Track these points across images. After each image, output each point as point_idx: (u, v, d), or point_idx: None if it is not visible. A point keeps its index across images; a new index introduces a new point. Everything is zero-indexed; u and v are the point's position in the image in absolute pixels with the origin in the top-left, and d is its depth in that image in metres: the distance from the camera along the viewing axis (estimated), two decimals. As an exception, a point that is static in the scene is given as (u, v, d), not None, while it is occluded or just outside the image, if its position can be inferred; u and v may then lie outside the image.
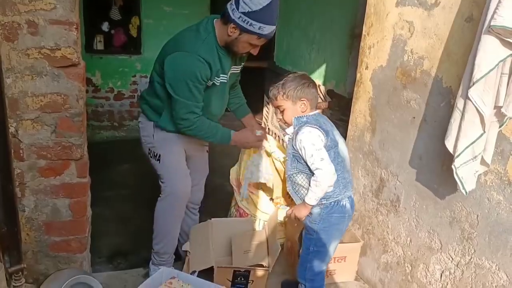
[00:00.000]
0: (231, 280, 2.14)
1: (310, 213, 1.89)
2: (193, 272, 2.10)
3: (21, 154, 1.82)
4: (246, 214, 2.59)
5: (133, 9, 4.88)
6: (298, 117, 1.88)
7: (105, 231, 2.80)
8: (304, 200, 1.85)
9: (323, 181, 1.76)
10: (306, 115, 1.88)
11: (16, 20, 1.65)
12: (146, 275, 2.29)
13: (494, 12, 1.42)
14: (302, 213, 1.89)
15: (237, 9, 1.87)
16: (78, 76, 1.80)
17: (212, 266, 2.14)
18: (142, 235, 2.76)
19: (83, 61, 1.85)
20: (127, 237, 2.88)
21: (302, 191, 1.88)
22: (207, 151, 2.47)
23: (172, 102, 2.01)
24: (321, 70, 3.94)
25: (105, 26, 4.88)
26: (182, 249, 2.30)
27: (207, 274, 2.11)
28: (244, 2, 1.85)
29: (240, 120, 2.47)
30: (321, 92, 3.69)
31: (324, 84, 3.83)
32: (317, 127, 1.81)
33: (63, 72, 1.77)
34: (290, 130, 1.92)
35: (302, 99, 1.87)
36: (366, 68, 2.43)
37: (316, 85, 1.93)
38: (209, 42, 1.99)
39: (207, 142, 2.30)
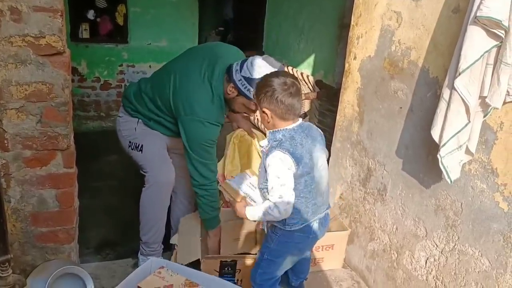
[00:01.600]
0: (218, 270, 2.15)
1: (272, 224, 1.79)
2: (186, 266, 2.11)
3: (6, 144, 1.79)
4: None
5: (119, -3, 4.80)
6: (272, 132, 1.69)
7: (93, 222, 2.78)
8: (248, 209, 1.76)
9: (273, 214, 1.65)
10: (282, 130, 1.66)
11: (-2, 7, 1.61)
12: (135, 265, 2.30)
13: (480, 3, 1.44)
14: (240, 213, 1.80)
15: (240, 71, 1.92)
16: (64, 65, 1.77)
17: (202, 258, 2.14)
18: (130, 225, 2.75)
19: (68, 49, 1.82)
20: (116, 227, 2.87)
21: None
22: None
23: (186, 155, 2.05)
24: (310, 60, 3.94)
25: (90, 14, 4.79)
26: (171, 242, 2.30)
27: (196, 266, 2.11)
28: (247, 67, 1.90)
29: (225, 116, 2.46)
30: (310, 83, 3.70)
31: (313, 74, 3.84)
32: (289, 154, 1.61)
33: (48, 61, 1.73)
34: (264, 143, 1.74)
35: (264, 110, 1.66)
36: (354, 58, 2.44)
37: (296, 93, 1.64)
38: (220, 104, 2.02)
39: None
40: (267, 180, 1.67)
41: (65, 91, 1.81)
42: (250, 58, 1.93)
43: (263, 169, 1.71)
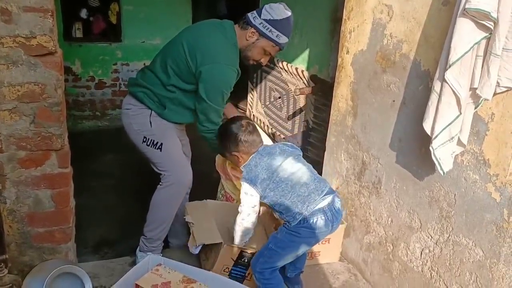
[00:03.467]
0: (235, 259, 2.15)
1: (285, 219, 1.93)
2: (199, 245, 2.12)
3: (0, 146, 1.79)
4: (232, 199, 2.61)
5: (112, -5, 4.78)
6: (244, 167, 1.97)
7: (90, 221, 2.79)
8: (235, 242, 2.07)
9: (240, 225, 2.03)
10: (247, 164, 1.96)
11: (-12, 8, 1.61)
12: (133, 263, 2.30)
13: (469, -5, 1.44)
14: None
15: (259, 16, 2.08)
16: (56, 65, 1.77)
17: (215, 243, 2.13)
18: (127, 224, 2.76)
19: (60, 49, 1.82)
20: (113, 226, 2.88)
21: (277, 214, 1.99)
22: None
23: (201, 105, 2.11)
24: (304, 55, 3.94)
25: (83, 13, 4.77)
26: (185, 220, 2.28)
27: (207, 249, 2.14)
28: (267, 11, 2.08)
29: None
30: (305, 78, 3.70)
31: (307, 69, 3.84)
32: (247, 181, 1.92)
33: (40, 61, 1.73)
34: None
35: (234, 153, 2.00)
36: (347, 52, 2.44)
37: (254, 130, 2.01)
38: (237, 52, 2.13)
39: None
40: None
41: (58, 91, 1.81)
42: (266, 5, 2.10)
43: None
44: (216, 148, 2.23)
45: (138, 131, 2.20)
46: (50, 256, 2.06)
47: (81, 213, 2.35)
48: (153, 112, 2.17)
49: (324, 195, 1.87)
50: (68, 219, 2.06)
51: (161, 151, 2.19)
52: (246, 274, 2.18)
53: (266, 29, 2.08)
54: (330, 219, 1.86)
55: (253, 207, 1.97)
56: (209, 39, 2.08)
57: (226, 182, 2.64)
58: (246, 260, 2.15)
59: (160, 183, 2.26)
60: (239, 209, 2.00)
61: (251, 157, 1.97)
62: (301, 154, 2.03)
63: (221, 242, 2.11)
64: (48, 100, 1.80)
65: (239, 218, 2.01)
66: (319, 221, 1.84)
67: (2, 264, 1.59)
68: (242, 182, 1.95)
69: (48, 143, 1.86)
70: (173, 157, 2.24)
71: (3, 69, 1.69)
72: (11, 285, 1.69)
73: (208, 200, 2.46)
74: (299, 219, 1.84)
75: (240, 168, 2.00)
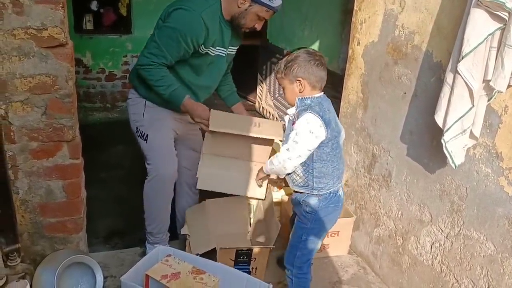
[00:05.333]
0: (234, 259, 2.17)
1: (306, 202, 1.83)
2: (196, 255, 2.13)
3: (12, 137, 1.82)
4: None
5: (122, -13, 4.78)
6: (301, 98, 1.75)
7: (101, 212, 2.81)
8: (264, 168, 1.88)
9: (273, 162, 1.79)
10: (311, 97, 1.75)
11: (0, 0, 1.61)
12: (143, 254, 2.33)
13: (484, -15, 1.41)
14: (259, 176, 1.96)
15: None
16: (67, 57, 1.78)
17: (214, 248, 2.16)
18: (138, 215, 2.77)
19: (71, 41, 1.83)
20: (123, 217, 2.91)
21: (294, 176, 1.83)
22: (200, 129, 2.46)
23: (148, 41, 2.01)
24: (314, 47, 3.90)
25: (93, 5, 4.78)
26: (181, 233, 2.31)
27: (208, 255, 2.14)
28: None
29: (230, 108, 2.45)
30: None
31: (317, 61, 3.81)
32: (319, 116, 1.69)
33: (51, 53, 1.75)
34: (291, 110, 1.81)
35: (298, 79, 1.74)
36: (358, 44, 2.42)
37: (324, 65, 1.77)
38: (214, 9, 2.01)
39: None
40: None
41: (69, 83, 1.83)
42: None
43: (288, 137, 1.77)
44: (159, 89, 2.03)
45: (134, 121, 2.22)
46: (61, 246, 2.09)
47: (92, 204, 2.37)
48: (147, 101, 2.15)
49: (342, 177, 1.91)
50: (79, 210, 2.08)
51: (146, 142, 2.18)
52: (251, 269, 2.20)
53: None
54: (343, 192, 1.93)
55: (308, 152, 1.71)
56: None
57: None
58: (245, 257, 2.17)
59: (146, 176, 2.24)
60: (284, 146, 1.74)
61: (314, 95, 1.75)
62: None
63: (215, 248, 2.14)
64: (60, 92, 1.82)
65: (283, 155, 1.73)
66: (341, 193, 1.89)
67: (15, 253, 1.62)
68: (308, 116, 1.69)
69: (59, 134, 1.88)
70: (156, 149, 2.19)
71: (15, 60, 1.71)
72: (23, 273, 1.72)
73: (207, 199, 2.46)
74: (327, 192, 1.81)
75: (297, 99, 1.76)
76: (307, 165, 1.77)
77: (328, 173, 1.79)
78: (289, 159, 1.72)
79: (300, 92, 1.76)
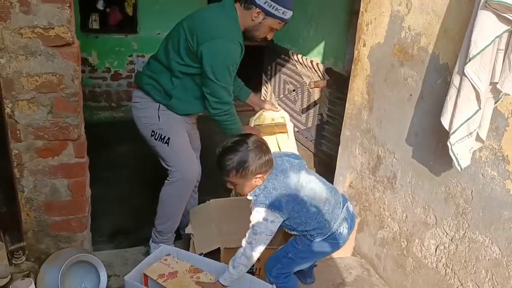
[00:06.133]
0: None
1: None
2: (200, 255, 2.13)
3: (18, 135, 1.83)
4: None
5: (128, -13, 4.80)
6: (253, 191, 1.73)
7: (106, 211, 2.82)
8: (218, 279, 1.78)
9: (250, 258, 1.73)
10: (262, 188, 1.71)
11: (7, -1, 1.62)
12: (147, 253, 2.33)
13: (491, -13, 1.40)
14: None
15: None
16: (73, 56, 1.79)
17: (218, 247, 2.16)
18: (142, 214, 2.79)
19: (78, 40, 1.84)
20: (128, 216, 2.91)
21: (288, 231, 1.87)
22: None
23: (209, 86, 2.04)
24: (320, 48, 3.90)
25: (100, 4, 4.79)
26: (185, 232, 2.31)
27: (212, 255, 2.14)
28: None
29: (246, 103, 2.48)
30: (319, 70, 3.67)
31: (322, 62, 3.80)
32: (267, 207, 1.68)
33: (58, 52, 1.75)
34: (250, 196, 1.77)
35: (258, 176, 1.69)
36: (364, 45, 2.41)
37: (267, 149, 1.72)
38: (239, 27, 2.07)
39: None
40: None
41: (75, 82, 1.83)
42: None
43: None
44: (232, 130, 2.17)
45: (147, 124, 2.19)
46: (66, 245, 2.10)
47: (97, 203, 2.38)
48: (161, 105, 2.16)
49: (343, 207, 1.87)
50: (84, 208, 2.09)
51: (168, 145, 2.17)
52: (254, 270, 2.20)
53: (272, 8, 2.00)
54: (350, 225, 1.89)
55: (271, 235, 1.73)
56: (208, 16, 2.04)
57: None
58: None
59: (167, 178, 2.24)
60: (246, 240, 1.74)
61: (266, 180, 1.73)
62: (306, 164, 1.89)
63: (219, 247, 2.14)
64: (66, 91, 1.82)
65: (248, 250, 1.72)
66: (344, 231, 1.86)
67: (20, 251, 1.63)
68: (257, 209, 1.71)
69: (65, 133, 1.89)
70: (180, 152, 2.20)
71: (22, 59, 1.72)
72: (28, 272, 1.72)
73: (212, 200, 2.46)
74: (328, 234, 1.82)
75: (248, 195, 1.75)
76: (290, 228, 1.81)
77: (316, 226, 1.79)
78: (254, 251, 1.72)
79: (258, 185, 1.72)
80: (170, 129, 2.17)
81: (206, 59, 1.98)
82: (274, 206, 1.68)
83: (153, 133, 2.19)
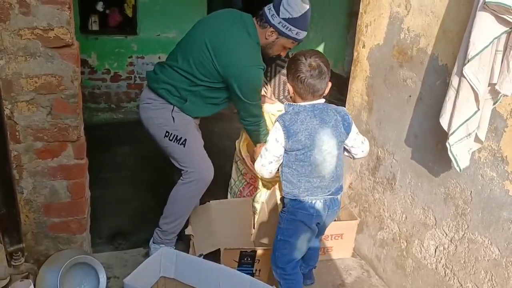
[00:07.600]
0: (237, 260, 2.16)
1: (283, 202, 1.92)
2: (200, 255, 2.13)
3: (17, 136, 1.83)
4: (254, 182, 2.57)
5: (128, -12, 4.80)
6: (288, 104, 1.84)
7: (105, 212, 2.82)
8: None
9: (258, 169, 1.88)
10: (293, 105, 1.80)
11: (7, 0, 1.62)
12: (146, 255, 2.33)
13: (490, -12, 1.40)
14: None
15: (277, 15, 2.03)
16: (72, 57, 1.79)
17: (218, 248, 2.16)
18: (142, 216, 2.79)
19: (77, 41, 1.84)
20: (127, 218, 2.91)
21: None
22: None
23: (240, 105, 2.14)
24: (320, 49, 3.91)
25: (99, 6, 4.80)
26: (186, 233, 2.30)
27: (212, 256, 2.14)
28: (285, 9, 2.01)
29: None
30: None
31: (321, 63, 3.81)
32: (282, 126, 1.74)
33: (57, 53, 1.76)
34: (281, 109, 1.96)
35: (288, 84, 1.84)
36: (363, 46, 2.41)
37: (317, 76, 1.75)
38: (259, 47, 2.13)
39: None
40: None
41: (75, 83, 1.83)
42: (284, 0, 2.02)
43: None
44: (259, 139, 2.26)
45: (160, 125, 2.17)
46: (65, 246, 2.09)
47: (96, 204, 2.38)
48: (175, 107, 2.16)
49: (328, 194, 1.85)
50: (83, 210, 2.09)
51: (184, 146, 2.16)
52: (254, 271, 2.19)
53: (286, 28, 2.05)
54: (327, 204, 1.85)
55: (277, 157, 1.80)
56: (232, 38, 2.05)
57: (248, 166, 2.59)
58: (249, 259, 2.17)
59: (182, 178, 2.22)
60: (260, 153, 1.86)
61: (301, 103, 1.78)
62: (350, 132, 1.86)
63: (219, 248, 2.14)
64: (65, 92, 1.82)
65: (257, 162, 1.88)
66: (317, 204, 1.83)
67: (19, 253, 1.62)
68: (275, 123, 1.79)
69: (64, 134, 1.89)
70: (196, 153, 2.21)
71: (21, 60, 1.72)
72: (27, 273, 1.72)
73: (212, 201, 2.45)
74: (296, 198, 1.82)
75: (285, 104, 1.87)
76: (281, 167, 1.86)
77: (293, 182, 1.81)
78: (262, 165, 1.84)
79: (290, 97, 1.85)
80: (186, 130, 2.18)
81: (236, 85, 2.05)
82: (289, 131, 1.75)
83: (167, 134, 2.17)
